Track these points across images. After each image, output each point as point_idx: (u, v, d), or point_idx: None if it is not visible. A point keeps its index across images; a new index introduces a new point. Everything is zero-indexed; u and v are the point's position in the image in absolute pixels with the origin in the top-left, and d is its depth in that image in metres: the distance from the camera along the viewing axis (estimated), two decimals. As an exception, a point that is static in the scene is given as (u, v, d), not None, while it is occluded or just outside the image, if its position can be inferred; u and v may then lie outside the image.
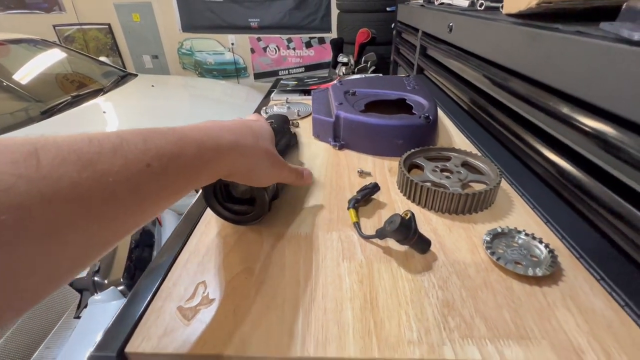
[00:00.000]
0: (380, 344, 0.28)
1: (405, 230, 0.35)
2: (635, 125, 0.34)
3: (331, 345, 0.29)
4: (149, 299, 0.33)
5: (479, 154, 0.52)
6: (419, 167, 0.52)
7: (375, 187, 0.47)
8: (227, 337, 0.29)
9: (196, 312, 0.32)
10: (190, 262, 0.38)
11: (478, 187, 0.47)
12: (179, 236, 0.42)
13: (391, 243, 0.39)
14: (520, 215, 0.43)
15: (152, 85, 2.64)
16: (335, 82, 0.81)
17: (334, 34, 3.39)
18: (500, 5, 0.72)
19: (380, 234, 0.38)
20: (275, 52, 3.55)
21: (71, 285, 0.86)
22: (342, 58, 2.87)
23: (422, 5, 1.17)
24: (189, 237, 0.42)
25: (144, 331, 0.30)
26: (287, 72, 3.66)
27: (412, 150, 0.53)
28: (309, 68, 3.63)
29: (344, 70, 2.79)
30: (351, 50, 2.72)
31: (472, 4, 0.93)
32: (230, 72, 3.69)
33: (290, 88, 1.00)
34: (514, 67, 0.56)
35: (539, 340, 0.28)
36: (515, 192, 0.48)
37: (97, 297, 0.82)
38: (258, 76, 3.71)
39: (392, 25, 2.51)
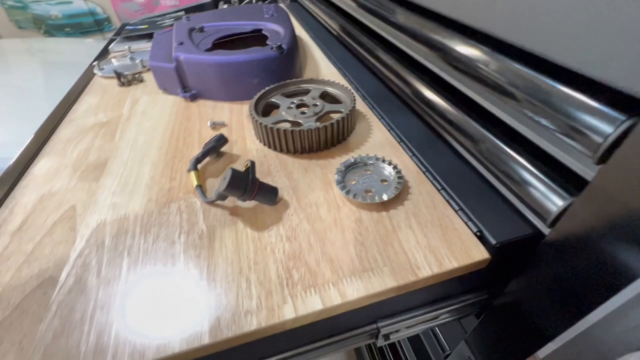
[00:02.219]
0: (212, 327, 0.24)
1: (241, 184, 0.30)
2: (475, 33, 0.32)
3: (151, 347, 0.23)
4: None
5: (339, 81, 0.48)
6: (274, 107, 0.46)
7: (220, 139, 0.40)
8: (4, 383, 0.22)
9: (-40, 361, 0.23)
10: (-40, 292, 0.28)
11: (337, 117, 0.43)
12: (-57, 261, 0.30)
13: (239, 201, 0.34)
14: (378, 139, 0.41)
15: (-26, 56, 1.99)
16: (182, 18, 0.66)
17: (208, -34, 2.89)
18: None
19: (218, 194, 0.32)
20: (142, -5, 2.92)
21: None
22: (222, -6, 2.50)
23: None
24: (-38, 258, 0.30)
25: None
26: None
27: (266, 88, 0.46)
28: (190, 10, 3.11)
29: (224, 7, 2.47)
30: (232, -16, 2.38)
31: None
32: (88, 26, 2.95)
33: (137, 34, 0.81)
34: (363, -23, 0.51)
35: (381, 268, 0.27)
36: (376, 117, 0.46)
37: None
38: (128, 28, 3.07)
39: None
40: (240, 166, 0.39)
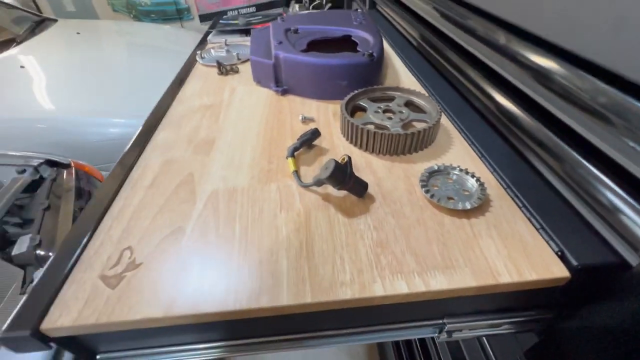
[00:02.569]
0: (313, 289, 0.29)
1: (340, 175, 0.34)
2: (571, 56, 0.33)
3: (265, 295, 0.28)
4: (67, 270, 0.31)
5: (423, 92, 0.50)
6: (363, 109, 0.50)
7: (315, 133, 0.44)
8: (153, 300, 0.28)
9: (121, 278, 0.30)
10: (113, 228, 0.35)
11: (420, 126, 0.46)
12: (100, 202, 0.38)
13: (330, 189, 0.38)
14: (458, 151, 0.44)
15: (78, 33, 2.29)
16: (277, 19, 0.73)
17: (284, -34, 3.03)
18: None
19: (317, 180, 0.36)
20: (221, -11, 3.14)
21: (10, 261, 0.80)
22: (295, -6, 2.60)
23: None
24: (112, 202, 0.38)
25: (61, 304, 0.28)
26: (236, 12, 3.29)
27: (356, 91, 0.50)
28: (260, 7, 3.29)
29: (297, 9, 2.58)
30: (304, -15, 2.47)
31: None
32: (170, 14, 3.24)
33: (230, 29, 0.90)
34: (460, -5, 0.53)
35: (463, 267, 0.30)
36: (456, 129, 0.48)
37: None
38: (204, 18, 3.31)
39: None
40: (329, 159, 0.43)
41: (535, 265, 0.30)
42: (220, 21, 0.96)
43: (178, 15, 3.23)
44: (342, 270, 0.30)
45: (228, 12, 3.39)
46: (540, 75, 0.38)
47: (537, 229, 0.33)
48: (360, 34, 0.63)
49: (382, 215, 0.35)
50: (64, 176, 1.05)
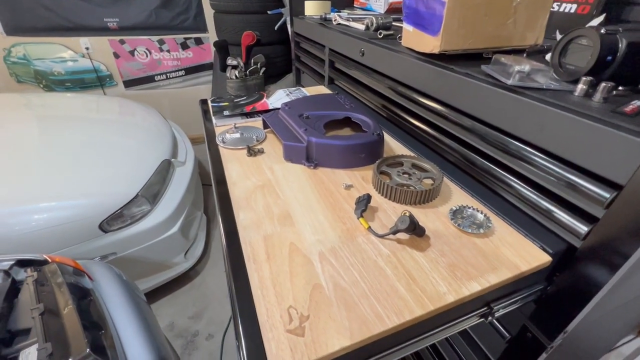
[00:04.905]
0: (430, 301, 0.45)
1: (412, 224, 0.52)
2: (510, 134, 0.59)
3: (404, 312, 0.43)
4: (258, 335, 0.41)
5: (418, 155, 0.73)
6: (385, 174, 0.70)
7: (369, 197, 0.62)
8: (339, 334, 0.40)
9: (303, 328, 0.41)
10: (265, 295, 0.45)
11: (428, 181, 0.68)
12: (237, 277, 0.47)
13: (399, 235, 0.55)
14: (458, 196, 0.66)
15: (-17, 111, 2.04)
16: (281, 106, 0.90)
17: (211, 34, 3.27)
18: (398, 36, 0.95)
19: (395, 231, 0.54)
20: (147, 56, 3.17)
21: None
22: (231, 61, 2.85)
23: (321, 24, 1.34)
24: (247, 276, 0.48)
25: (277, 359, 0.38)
26: (164, 76, 3.34)
27: (378, 161, 0.70)
28: (189, 71, 3.41)
29: (236, 74, 2.79)
30: (236, 51, 2.72)
31: (367, 27, 1.15)
32: (90, 81, 3.09)
33: (229, 113, 1.02)
34: (425, 91, 0.79)
35: (500, 267, 0.50)
36: (447, 180, 0.71)
37: (68, 380, 0.71)
38: (129, 84, 3.24)
39: (276, 27, 2.63)
40: (382, 213, 0.61)
41: (534, 257, 0.52)
42: (212, 104, 1.08)
43: (99, 83, 3.10)
44: (439, 285, 0.47)
45: (155, 77, 3.40)
46: (487, 140, 0.63)
47: (524, 236, 0.56)
48: (358, 117, 0.85)
49: (440, 246, 0.54)
50: (47, 274, 0.96)
